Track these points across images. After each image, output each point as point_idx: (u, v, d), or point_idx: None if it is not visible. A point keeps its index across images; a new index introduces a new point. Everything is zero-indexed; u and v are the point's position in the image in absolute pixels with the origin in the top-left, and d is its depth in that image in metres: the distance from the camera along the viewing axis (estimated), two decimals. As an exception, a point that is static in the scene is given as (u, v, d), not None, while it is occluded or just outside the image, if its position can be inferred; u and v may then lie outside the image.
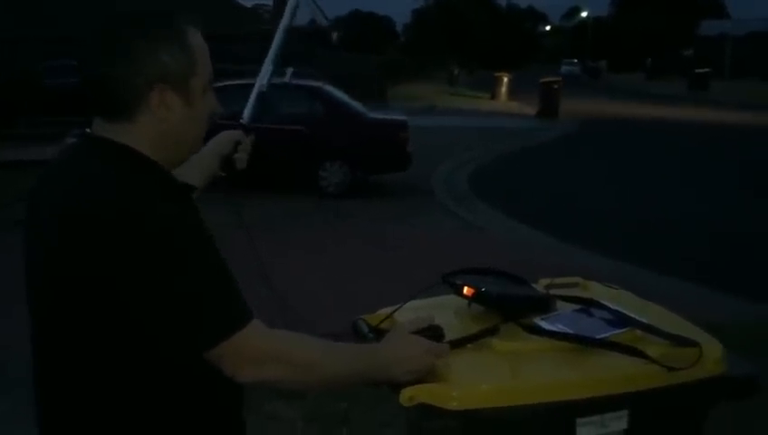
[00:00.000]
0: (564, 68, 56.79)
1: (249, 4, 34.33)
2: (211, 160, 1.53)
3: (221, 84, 5.92)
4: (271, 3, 37.83)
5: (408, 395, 1.33)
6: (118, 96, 1.17)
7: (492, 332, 1.48)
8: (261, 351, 1.16)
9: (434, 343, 1.34)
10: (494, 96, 30.39)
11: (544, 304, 1.62)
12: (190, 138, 1.26)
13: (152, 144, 1.20)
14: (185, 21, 1.22)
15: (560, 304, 1.65)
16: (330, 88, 10.68)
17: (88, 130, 1.24)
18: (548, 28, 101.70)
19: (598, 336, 1.47)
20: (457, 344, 1.42)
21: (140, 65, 1.16)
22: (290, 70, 1.99)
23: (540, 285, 1.78)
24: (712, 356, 1.48)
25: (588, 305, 1.64)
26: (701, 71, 38.75)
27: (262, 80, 1.59)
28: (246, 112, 1.54)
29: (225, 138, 1.53)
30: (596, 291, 1.81)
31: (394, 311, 1.62)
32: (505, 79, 31.04)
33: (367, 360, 1.31)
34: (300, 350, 1.24)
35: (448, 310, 1.60)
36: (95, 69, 1.18)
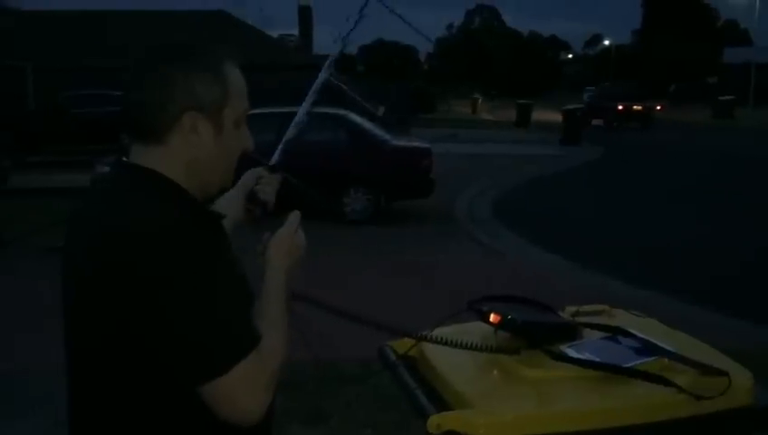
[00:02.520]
0: (587, 96, 56.67)
1: (275, 35, 34.89)
2: (237, 197, 1.53)
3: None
4: (297, 33, 38.43)
5: (436, 423, 1.34)
6: (151, 119, 1.22)
7: (492, 350, 1.49)
8: (256, 379, 1.16)
9: (286, 229, 1.34)
10: (517, 123, 30.43)
11: (571, 332, 1.62)
12: (220, 168, 1.29)
13: (183, 169, 1.24)
14: (223, 54, 1.27)
15: (586, 331, 1.65)
16: (353, 115, 10.78)
17: (124, 157, 1.28)
18: (570, 56, 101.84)
19: (625, 365, 1.47)
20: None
21: (174, 92, 1.21)
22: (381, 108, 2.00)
23: (566, 313, 1.78)
24: (741, 385, 1.47)
25: (615, 333, 1.64)
26: (725, 98, 38.42)
27: (292, 128, 1.63)
28: (275, 157, 1.58)
29: (247, 175, 1.55)
30: (622, 318, 1.80)
31: (420, 338, 1.63)
32: (528, 107, 31.07)
33: (280, 299, 1.27)
34: (276, 361, 1.22)
35: (475, 337, 1.61)
36: (133, 94, 1.24)
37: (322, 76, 1.69)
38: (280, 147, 1.59)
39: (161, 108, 1.21)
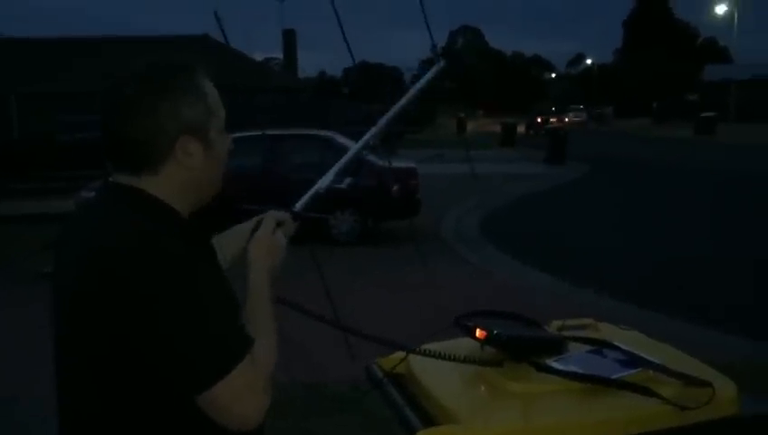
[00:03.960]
0: (571, 114, 57.22)
1: (260, 58, 35.04)
2: (244, 235, 1.49)
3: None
4: (281, 57, 38.61)
5: (423, 437, 1.34)
6: (144, 154, 1.22)
7: (471, 361, 1.51)
8: (252, 384, 1.17)
9: (263, 230, 1.37)
10: (502, 143, 30.63)
11: (556, 346, 1.63)
12: (211, 178, 1.31)
13: (177, 191, 1.25)
14: (197, 70, 1.28)
15: (572, 345, 1.67)
16: (340, 136, 10.83)
17: (110, 178, 1.28)
18: (553, 75, 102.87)
19: (611, 377, 1.48)
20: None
21: (163, 122, 1.21)
22: (347, 180, 1.99)
23: (552, 327, 1.80)
24: (726, 396, 1.48)
25: (600, 346, 1.65)
26: (707, 115, 38.92)
27: (322, 183, 1.65)
28: (300, 203, 1.59)
29: (268, 216, 1.51)
30: (607, 332, 1.82)
31: (408, 354, 1.64)
32: (513, 126, 31.37)
33: (265, 300, 1.30)
34: (270, 363, 1.23)
35: (461, 352, 1.62)
36: (118, 129, 1.22)
37: (355, 149, 1.70)
38: (307, 197, 1.60)
39: (154, 141, 1.21)
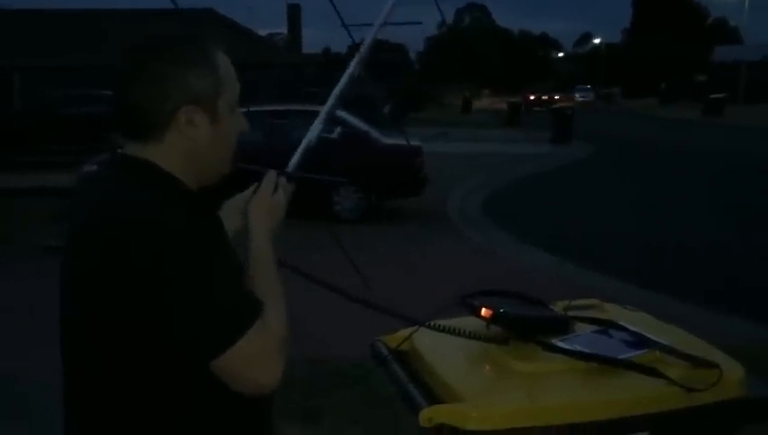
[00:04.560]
0: (578, 94, 56.92)
1: (264, 33, 34.83)
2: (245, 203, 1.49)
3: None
4: (285, 32, 38.35)
5: (428, 416, 1.34)
6: (147, 120, 1.21)
7: (477, 337, 1.50)
8: (265, 348, 1.17)
9: (264, 189, 1.36)
10: (508, 122, 30.49)
11: (562, 326, 1.62)
12: (218, 156, 1.29)
13: (181, 163, 1.24)
14: (211, 43, 1.26)
15: (578, 325, 1.65)
16: (344, 114, 10.77)
17: (118, 150, 1.27)
18: (561, 55, 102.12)
19: (617, 357, 1.47)
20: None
21: (169, 88, 1.20)
22: (338, 129, 1.93)
23: (557, 307, 1.78)
24: (733, 378, 1.47)
25: (607, 327, 1.64)
26: (716, 96, 38.62)
27: (311, 134, 1.61)
28: (292, 162, 1.56)
29: (267, 177, 1.49)
30: (614, 313, 1.80)
31: (412, 332, 1.63)
32: (519, 105, 31.21)
33: (269, 262, 1.29)
34: (282, 327, 1.23)
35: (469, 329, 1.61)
36: (125, 94, 1.22)
37: (340, 86, 1.65)
38: (299, 151, 1.56)
39: (157, 106, 1.20)
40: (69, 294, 1.22)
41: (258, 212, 1.34)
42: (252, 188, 1.42)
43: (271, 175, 1.39)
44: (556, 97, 51.52)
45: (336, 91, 1.65)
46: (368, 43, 1.67)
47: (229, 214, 1.42)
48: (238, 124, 1.31)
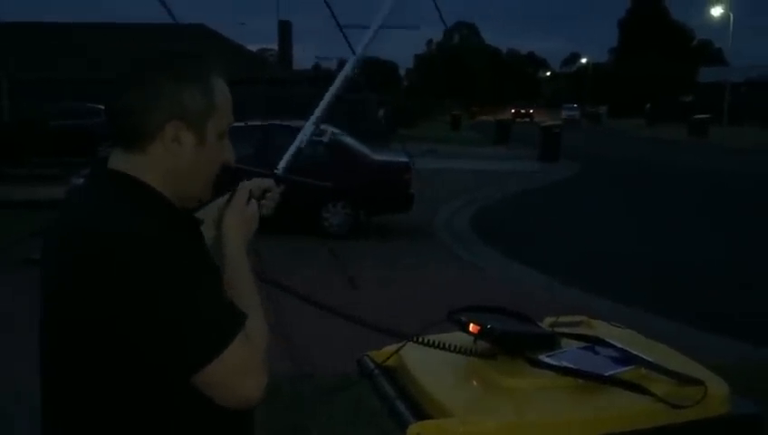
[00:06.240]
0: (565, 113, 57.41)
1: (255, 49, 34.91)
2: None
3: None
4: (276, 47, 38.47)
5: (416, 432, 1.34)
6: (136, 126, 1.22)
7: (466, 352, 1.51)
8: (248, 360, 1.17)
9: (237, 200, 1.37)
10: (496, 140, 30.65)
11: (549, 342, 1.63)
12: (199, 179, 1.28)
13: (161, 178, 1.24)
14: (212, 66, 1.27)
15: (564, 341, 1.66)
16: (333, 129, 10.80)
17: (100, 162, 1.27)
18: (548, 74, 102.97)
19: (603, 373, 1.48)
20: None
21: (161, 99, 1.21)
22: (329, 130, 1.95)
23: (545, 324, 1.79)
24: (717, 395, 1.48)
25: (593, 343, 1.65)
26: (701, 117, 39.06)
27: (302, 136, 1.61)
28: (282, 164, 1.55)
29: (249, 184, 1.51)
30: (601, 329, 1.81)
31: (399, 348, 1.63)
32: (507, 123, 31.38)
33: (246, 272, 1.30)
34: (263, 338, 1.23)
35: (457, 344, 1.61)
36: (120, 99, 1.23)
37: (335, 88, 1.66)
38: (288, 156, 1.56)
39: (146, 115, 1.20)
40: (47, 307, 1.21)
41: (232, 223, 1.34)
42: (225, 197, 1.42)
43: (244, 186, 1.39)
44: (530, 111, 65.97)
45: (331, 91, 1.67)
46: (364, 44, 1.69)
47: (203, 226, 1.43)
48: (225, 154, 1.31)
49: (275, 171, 1.51)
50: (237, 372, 1.15)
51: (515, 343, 1.57)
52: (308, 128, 1.62)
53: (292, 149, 1.56)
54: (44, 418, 1.25)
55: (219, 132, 1.27)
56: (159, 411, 1.18)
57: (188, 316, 1.12)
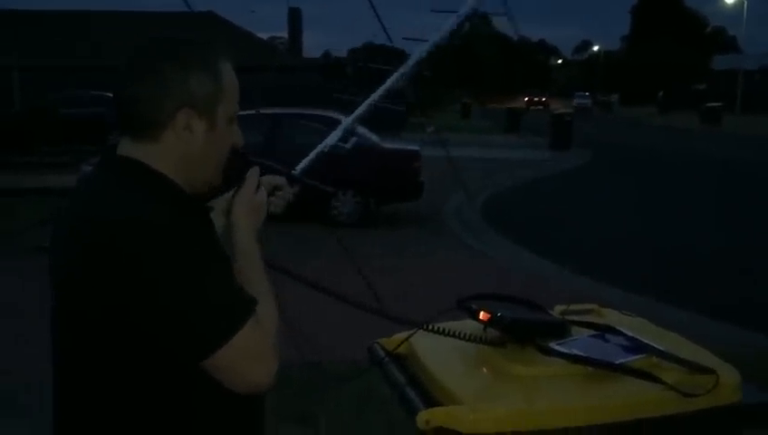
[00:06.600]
0: (576, 101, 57.07)
1: (265, 37, 34.86)
2: None
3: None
4: (286, 35, 38.42)
5: (425, 419, 1.34)
6: (145, 115, 1.22)
7: (478, 340, 1.50)
8: (259, 345, 1.17)
9: (247, 187, 1.36)
10: (507, 129, 30.52)
11: (560, 330, 1.62)
12: (209, 164, 1.29)
13: (173, 165, 1.24)
14: (218, 50, 1.27)
15: (575, 329, 1.65)
16: (343, 118, 10.79)
17: (111, 150, 1.27)
18: (559, 61, 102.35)
19: (614, 361, 1.47)
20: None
21: (170, 88, 1.21)
22: (353, 139, 1.90)
23: (555, 312, 1.78)
24: (729, 383, 1.47)
25: (604, 331, 1.64)
26: (713, 105, 38.72)
27: (328, 141, 1.60)
28: (301, 166, 1.55)
29: (265, 179, 1.49)
30: (612, 318, 1.81)
31: (410, 335, 1.63)
32: (518, 111, 31.24)
33: (255, 259, 1.31)
34: (273, 324, 1.24)
35: (467, 332, 1.61)
36: (127, 88, 1.23)
37: (373, 98, 1.64)
38: (311, 157, 1.55)
39: (157, 104, 1.20)
40: (57, 295, 1.22)
41: (242, 211, 1.34)
42: (234, 190, 1.42)
43: (253, 173, 1.39)
44: (543, 99, 65.42)
45: (368, 101, 1.65)
46: (415, 58, 1.67)
47: (213, 214, 1.42)
48: (234, 138, 1.31)
49: (292, 171, 1.49)
50: (247, 357, 1.15)
51: (525, 330, 1.57)
52: (335, 135, 1.61)
53: (314, 153, 1.55)
54: (57, 405, 1.26)
55: (229, 117, 1.28)
56: (171, 397, 1.18)
57: (199, 302, 1.13)
